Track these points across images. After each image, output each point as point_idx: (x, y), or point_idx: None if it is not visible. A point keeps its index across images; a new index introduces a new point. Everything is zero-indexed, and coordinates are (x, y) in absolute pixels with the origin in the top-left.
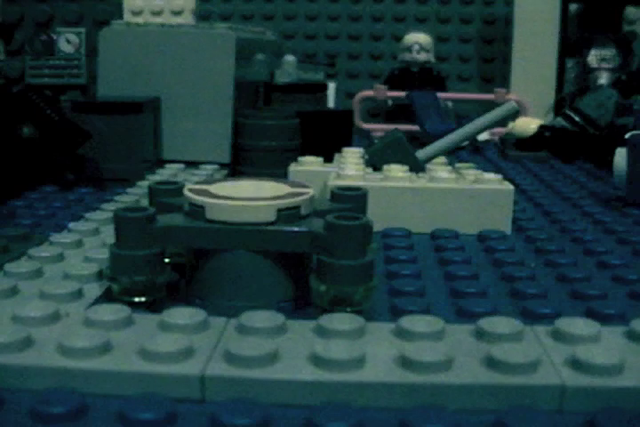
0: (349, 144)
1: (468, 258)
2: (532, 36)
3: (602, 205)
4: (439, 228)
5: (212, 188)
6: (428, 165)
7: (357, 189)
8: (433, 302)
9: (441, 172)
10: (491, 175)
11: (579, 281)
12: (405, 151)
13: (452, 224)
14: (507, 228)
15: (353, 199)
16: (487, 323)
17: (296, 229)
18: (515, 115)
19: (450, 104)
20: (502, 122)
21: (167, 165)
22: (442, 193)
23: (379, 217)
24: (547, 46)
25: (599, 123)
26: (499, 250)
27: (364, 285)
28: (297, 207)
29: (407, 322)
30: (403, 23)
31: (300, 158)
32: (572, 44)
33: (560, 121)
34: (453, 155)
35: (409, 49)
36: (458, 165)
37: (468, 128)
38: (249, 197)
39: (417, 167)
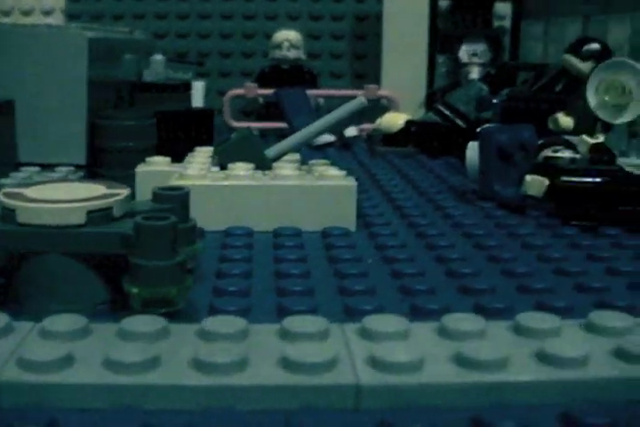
0: (210, 143)
1: (304, 256)
2: (402, 32)
3: (456, 199)
4: (283, 226)
5: (28, 191)
6: (276, 163)
7: (179, 188)
8: (256, 302)
9: (285, 169)
10: (334, 171)
11: (410, 276)
12: (253, 149)
13: (296, 222)
14: (351, 224)
15: (174, 199)
16: (291, 322)
17: (104, 230)
18: (382, 110)
19: (321, 101)
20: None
21: (22, 168)
22: (284, 190)
23: (221, 216)
24: (417, 42)
25: (469, 117)
26: (337, 247)
27: (176, 285)
28: (109, 209)
29: (210, 323)
30: (274, 21)
31: (148, 159)
32: (443, 39)
33: (431, 116)
34: (321, 151)
35: (279, 46)
36: (312, 161)
37: (317, 125)
38: (60, 200)
39: (264, 165)
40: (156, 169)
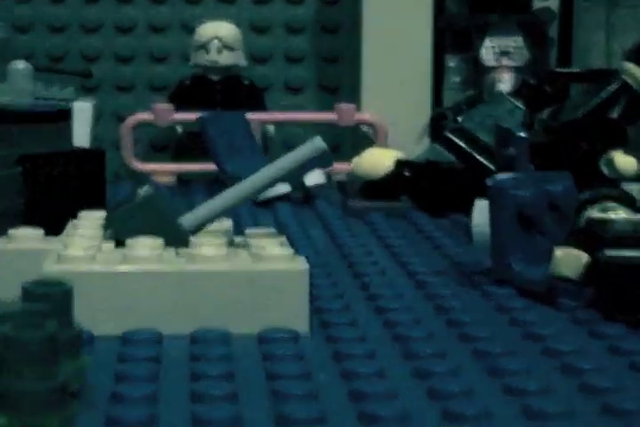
0: (101, 203)
1: (232, 372)
2: (386, 19)
3: (460, 283)
4: (204, 327)
5: None
6: (196, 237)
7: (58, 283)
8: None
9: (207, 246)
10: (277, 248)
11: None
12: (161, 217)
13: (223, 322)
14: (303, 324)
15: (50, 298)
16: None
17: None
18: (363, 144)
19: (271, 129)
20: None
21: None
22: (203, 278)
23: (118, 315)
24: (414, 38)
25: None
26: (279, 358)
27: (56, 413)
28: None
29: None
30: (198, 5)
31: (11, 231)
32: (455, 32)
33: (437, 149)
34: (269, 210)
35: (205, 47)
36: (249, 230)
37: (256, 178)
38: None
39: (179, 240)
40: (22, 247)
